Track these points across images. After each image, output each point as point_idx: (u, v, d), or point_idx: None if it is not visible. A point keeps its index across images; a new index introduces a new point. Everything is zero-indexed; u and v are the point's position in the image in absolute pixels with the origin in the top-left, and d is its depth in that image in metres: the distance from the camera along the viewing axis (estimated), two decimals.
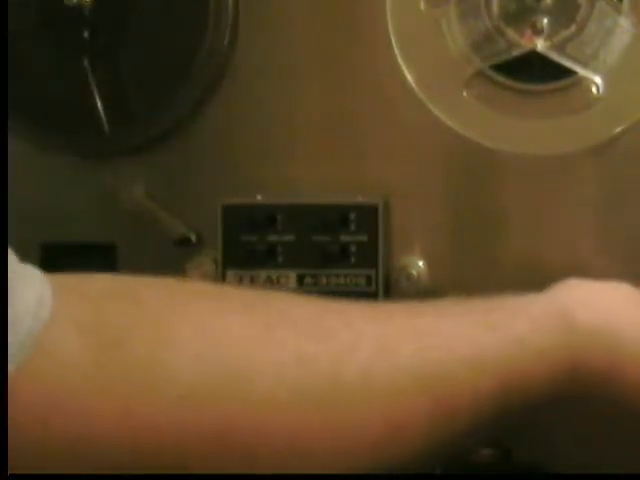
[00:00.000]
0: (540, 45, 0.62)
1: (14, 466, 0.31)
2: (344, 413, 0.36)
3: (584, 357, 0.42)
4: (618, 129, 0.62)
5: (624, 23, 0.61)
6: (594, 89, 0.62)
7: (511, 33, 0.62)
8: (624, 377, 0.42)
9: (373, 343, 0.37)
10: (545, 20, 0.61)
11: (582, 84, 0.62)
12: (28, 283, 0.34)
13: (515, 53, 0.62)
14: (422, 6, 0.63)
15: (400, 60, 0.63)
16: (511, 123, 0.63)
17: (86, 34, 0.65)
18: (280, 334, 0.36)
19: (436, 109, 0.63)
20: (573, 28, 0.62)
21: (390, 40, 0.63)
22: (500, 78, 0.62)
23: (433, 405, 0.38)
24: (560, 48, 0.62)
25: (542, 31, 0.61)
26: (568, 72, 0.62)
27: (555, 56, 0.62)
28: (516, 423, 0.42)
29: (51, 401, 0.33)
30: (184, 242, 0.66)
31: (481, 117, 0.63)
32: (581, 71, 0.62)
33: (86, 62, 0.65)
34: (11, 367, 0.31)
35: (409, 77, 0.63)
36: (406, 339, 0.38)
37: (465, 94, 0.63)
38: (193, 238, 0.66)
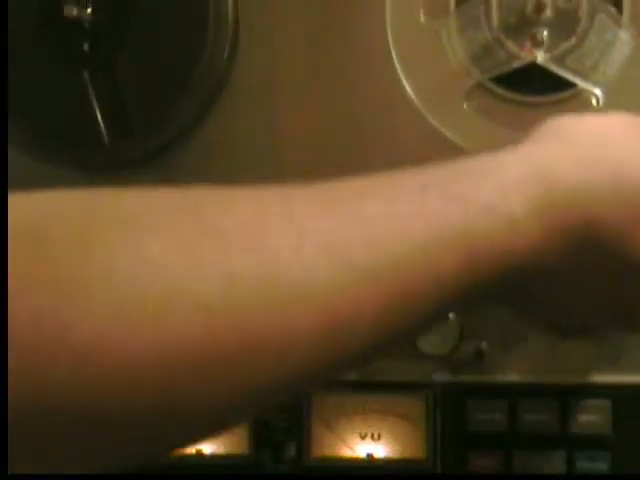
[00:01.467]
0: (540, 57, 0.62)
1: None
2: (277, 319, 0.33)
3: (565, 219, 0.38)
4: None
5: (624, 36, 0.62)
6: (594, 101, 0.62)
7: (511, 45, 0.62)
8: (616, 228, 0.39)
9: (317, 241, 0.34)
10: (545, 32, 0.62)
11: (582, 96, 0.62)
12: None
13: (515, 65, 0.62)
14: (422, 18, 0.63)
15: (400, 72, 0.63)
16: (511, 135, 0.62)
17: (86, 47, 0.65)
18: (205, 252, 0.33)
19: (436, 121, 0.63)
20: (573, 40, 0.62)
21: (390, 52, 0.63)
22: (500, 90, 0.62)
23: (384, 297, 0.34)
24: (560, 60, 0.62)
25: (542, 43, 0.61)
26: (568, 84, 0.62)
27: (555, 68, 0.62)
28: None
29: None
30: None
31: (481, 129, 0.63)
32: (581, 83, 0.62)
33: (86, 75, 0.65)
34: None
35: (409, 89, 0.63)
36: (354, 232, 0.35)
37: (465, 106, 0.63)
38: None
